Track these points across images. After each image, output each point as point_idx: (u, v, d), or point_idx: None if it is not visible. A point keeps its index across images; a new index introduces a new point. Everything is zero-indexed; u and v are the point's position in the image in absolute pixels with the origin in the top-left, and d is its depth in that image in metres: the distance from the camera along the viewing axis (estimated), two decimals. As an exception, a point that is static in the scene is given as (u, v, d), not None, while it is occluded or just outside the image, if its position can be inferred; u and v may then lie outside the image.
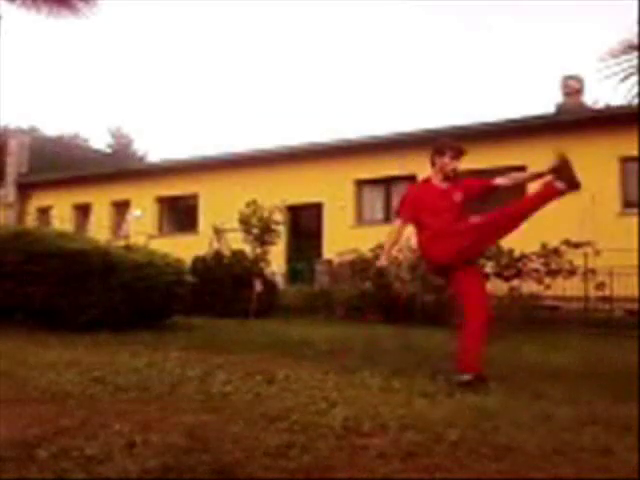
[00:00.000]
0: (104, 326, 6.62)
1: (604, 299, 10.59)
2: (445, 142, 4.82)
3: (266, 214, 11.87)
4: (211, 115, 62.51)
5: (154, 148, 55.22)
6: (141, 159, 35.87)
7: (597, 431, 2.86)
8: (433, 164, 4.66)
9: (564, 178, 4.53)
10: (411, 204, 4.57)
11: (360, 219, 16.03)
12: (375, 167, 15.56)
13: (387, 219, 15.66)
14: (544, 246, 10.33)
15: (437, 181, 4.64)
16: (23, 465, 2.21)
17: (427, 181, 4.70)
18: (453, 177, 4.68)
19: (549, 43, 54.45)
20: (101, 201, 20.23)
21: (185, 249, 11.92)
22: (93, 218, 20.33)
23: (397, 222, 4.60)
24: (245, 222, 11.84)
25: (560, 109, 14.66)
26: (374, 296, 11.01)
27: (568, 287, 10.36)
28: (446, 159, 4.62)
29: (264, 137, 53.68)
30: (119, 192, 19.76)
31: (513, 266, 10.32)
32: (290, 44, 61.52)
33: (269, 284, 11.88)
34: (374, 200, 16.13)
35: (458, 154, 4.69)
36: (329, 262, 14.06)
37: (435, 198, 4.55)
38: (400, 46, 58.41)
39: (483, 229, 4.64)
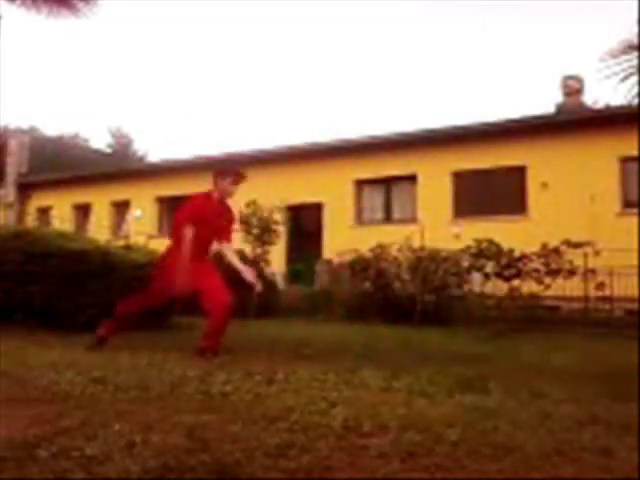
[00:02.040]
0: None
1: (604, 299, 10.59)
2: (228, 167, 5.53)
3: (266, 214, 11.88)
4: (211, 115, 62.53)
5: (154, 148, 55.26)
6: (141, 159, 35.88)
7: (597, 431, 2.86)
8: (215, 184, 5.29)
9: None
10: (193, 213, 5.21)
11: (360, 219, 16.04)
12: (375, 167, 15.56)
13: (387, 219, 15.68)
14: (544, 246, 10.34)
15: (215, 200, 5.30)
16: (23, 465, 2.21)
17: (209, 196, 5.33)
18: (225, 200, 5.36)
19: (549, 43, 54.49)
20: (101, 201, 20.24)
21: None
22: (93, 218, 20.34)
23: (187, 229, 5.13)
24: (245, 222, 11.84)
25: (560, 109, 14.68)
26: (374, 296, 11.01)
27: (568, 287, 10.37)
28: (226, 183, 5.24)
29: (264, 137, 53.69)
30: (119, 192, 19.78)
31: (513, 266, 10.33)
32: (291, 44, 61.54)
33: (269, 284, 11.88)
34: (374, 200, 16.14)
35: (238, 180, 5.30)
36: (329, 262, 14.07)
37: (213, 215, 5.24)
38: (400, 46, 58.43)
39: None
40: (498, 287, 10.39)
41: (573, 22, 55.03)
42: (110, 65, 65.31)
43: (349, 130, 51.25)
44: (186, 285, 5.12)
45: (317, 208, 16.29)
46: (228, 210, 5.43)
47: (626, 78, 5.05)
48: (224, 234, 5.41)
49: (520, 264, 10.33)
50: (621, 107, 11.37)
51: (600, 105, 18.47)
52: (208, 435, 2.61)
